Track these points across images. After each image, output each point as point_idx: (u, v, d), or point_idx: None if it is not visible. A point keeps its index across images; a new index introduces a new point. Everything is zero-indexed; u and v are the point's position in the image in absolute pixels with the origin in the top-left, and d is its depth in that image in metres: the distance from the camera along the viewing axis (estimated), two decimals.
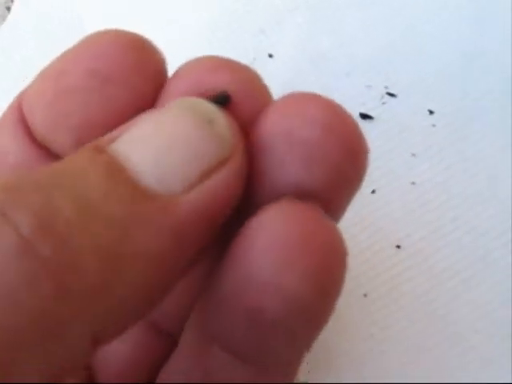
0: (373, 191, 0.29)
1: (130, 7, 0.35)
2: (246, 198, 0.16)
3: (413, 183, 0.29)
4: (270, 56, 0.32)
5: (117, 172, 0.14)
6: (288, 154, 0.15)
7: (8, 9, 0.36)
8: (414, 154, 0.29)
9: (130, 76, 0.16)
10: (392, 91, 0.30)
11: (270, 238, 0.15)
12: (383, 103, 0.30)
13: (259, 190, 0.16)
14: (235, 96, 0.16)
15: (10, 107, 0.18)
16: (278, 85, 0.31)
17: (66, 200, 0.13)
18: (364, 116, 0.30)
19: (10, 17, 0.35)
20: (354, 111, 0.30)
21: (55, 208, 0.13)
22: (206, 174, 0.15)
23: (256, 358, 0.16)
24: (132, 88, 0.16)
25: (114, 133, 0.15)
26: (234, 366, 0.16)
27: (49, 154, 0.17)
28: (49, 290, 0.12)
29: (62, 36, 0.34)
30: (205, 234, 0.15)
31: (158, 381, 0.18)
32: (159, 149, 0.14)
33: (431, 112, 0.30)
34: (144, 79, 0.17)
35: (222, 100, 0.16)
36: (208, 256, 0.17)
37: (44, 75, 0.17)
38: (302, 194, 0.15)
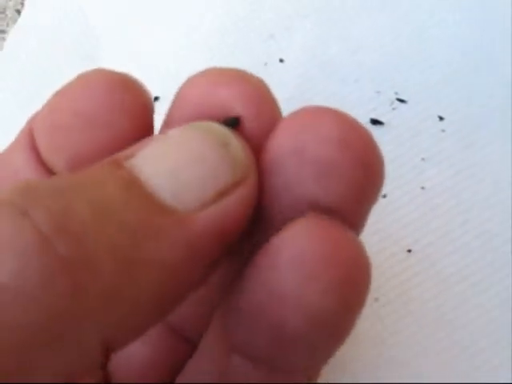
0: (383, 196, 0.29)
1: (139, 12, 0.35)
2: (263, 214, 0.16)
3: (423, 188, 0.29)
4: (281, 61, 0.32)
5: (134, 185, 0.14)
6: (303, 172, 0.15)
7: (18, 11, 0.36)
8: (423, 159, 0.29)
9: (111, 116, 0.17)
10: (402, 97, 0.30)
11: (294, 253, 0.15)
12: (393, 109, 0.30)
13: (276, 207, 0.16)
14: (244, 118, 0.16)
15: (22, 131, 0.19)
16: (288, 89, 0.32)
17: (84, 204, 0.13)
18: (374, 121, 0.30)
19: (21, 20, 0.35)
20: (364, 117, 0.30)
21: (73, 210, 0.13)
22: (220, 194, 0.15)
23: (277, 367, 0.16)
24: (114, 128, 0.17)
25: (131, 149, 0.15)
26: (254, 371, 0.16)
27: None
28: (65, 287, 0.12)
29: (73, 39, 0.34)
30: (217, 249, 0.15)
31: (177, 381, 0.19)
32: (175, 166, 0.15)
33: (441, 118, 0.30)
34: (127, 119, 0.17)
35: (233, 123, 0.16)
36: (225, 267, 0.17)
37: (45, 107, 0.18)
38: (319, 211, 0.15)
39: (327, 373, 0.26)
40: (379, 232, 0.28)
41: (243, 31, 0.33)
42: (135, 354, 0.19)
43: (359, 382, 0.26)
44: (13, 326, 0.12)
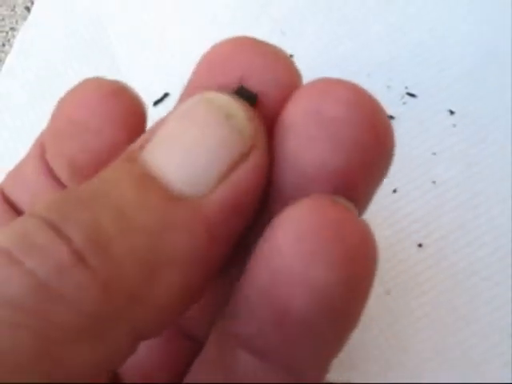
0: (394, 190, 0.29)
1: (150, 9, 0.35)
2: (274, 186, 0.16)
3: (433, 182, 0.29)
4: (291, 56, 0.32)
5: (148, 182, 0.15)
6: (315, 132, 0.15)
7: (27, 9, 0.36)
8: (434, 154, 0.29)
9: (103, 124, 0.17)
10: (412, 91, 0.31)
11: (297, 230, 0.14)
12: (404, 103, 0.30)
13: (286, 175, 0.16)
14: (262, 94, 0.16)
15: (35, 142, 0.20)
16: None
17: (107, 213, 0.14)
18: None
19: (30, 17, 0.35)
20: None
21: (98, 221, 0.14)
22: (229, 170, 0.15)
23: (283, 361, 0.16)
24: (105, 135, 0.17)
25: (144, 137, 0.16)
26: (260, 368, 0.16)
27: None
28: (96, 294, 0.13)
29: (84, 36, 0.35)
30: (236, 227, 0.15)
31: (185, 381, 0.18)
32: (182, 153, 0.15)
33: (452, 112, 0.30)
34: (118, 127, 0.17)
35: (248, 97, 0.16)
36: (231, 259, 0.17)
37: (51, 116, 0.19)
38: (329, 175, 0.15)
39: (340, 366, 0.26)
40: (390, 226, 0.28)
41: (255, 27, 0.33)
42: (141, 354, 0.19)
43: (369, 374, 0.26)
44: (57, 323, 0.13)
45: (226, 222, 0.15)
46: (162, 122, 0.16)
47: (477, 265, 0.28)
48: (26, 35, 0.35)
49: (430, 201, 0.29)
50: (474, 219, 0.28)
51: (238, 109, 0.15)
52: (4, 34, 0.36)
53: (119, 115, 0.17)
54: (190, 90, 0.17)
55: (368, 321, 0.27)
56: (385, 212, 0.28)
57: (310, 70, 0.32)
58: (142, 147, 0.15)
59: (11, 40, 0.35)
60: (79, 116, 0.18)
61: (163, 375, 0.20)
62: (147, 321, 0.14)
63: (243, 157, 0.15)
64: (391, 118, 0.30)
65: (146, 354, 0.20)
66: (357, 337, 0.27)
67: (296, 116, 0.16)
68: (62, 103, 0.18)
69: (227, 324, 0.17)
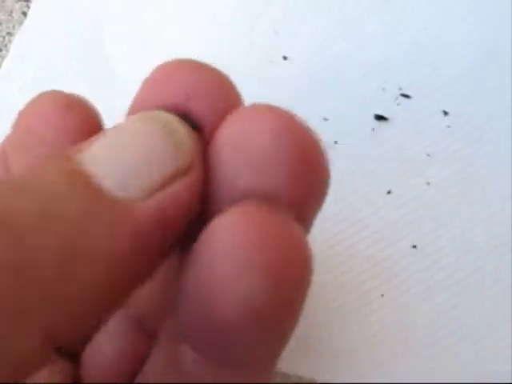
0: (388, 192, 0.29)
1: (148, 11, 0.35)
2: (207, 206, 0.16)
3: (428, 183, 0.29)
4: (285, 58, 0.32)
5: (77, 176, 0.14)
6: (240, 163, 0.15)
7: (24, 14, 0.36)
8: (429, 155, 0.29)
9: (58, 136, 0.17)
10: (406, 92, 0.30)
11: (227, 238, 0.14)
12: (398, 104, 0.30)
13: (219, 198, 0.16)
14: (203, 121, 0.16)
15: None
16: (292, 87, 0.32)
17: (26, 200, 0.14)
18: (379, 117, 0.30)
19: (27, 22, 0.36)
20: (369, 112, 0.30)
21: (15, 208, 0.13)
22: (166, 182, 0.15)
23: (217, 358, 0.16)
24: (60, 147, 0.17)
25: (83, 143, 0.16)
26: (203, 363, 0.16)
27: None
28: (5, 285, 0.13)
29: (80, 40, 0.35)
30: (164, 238, 0.15)
31: (136, 381, 0.18)
32: (121, 155, 0.15)
33: (446, 113, 0.30)
34: (72, 139, 0.17)
35: (191, 124, 0.16)
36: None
37: (11, 127, 0.19)
38: (258, 199, 0.15)
39: (333, 372, 0.26)
40: (384, 228, 0.28)
41: (249, 28, 0.33)
42: (103, 352, 0.19)
43: (365, 375, 0.26)
44: None
45: (154, 231, 0.15)
46: (104, 131, 0.16)
47: (472, 266, 0.28)
48: (23, 39, 0.35)
49: (425, 202, 0.29)
50: (468, 220, 0.28)
51: (178, 126, 0.16)
52: (1, 38, 0.36)
53: (74, 128, 0.18)
54: (134, 108, 0.17)
55: (362, 321, 0.27)
56: (379, 213, 0.28)
57: (304, 70, 0.32)
58: (78, 151, 0.15)
59: (8, 45, 0.35)
60: (36, 128, 0.18)
61: (127, 372, 0.19)
62: (60, 321, 0.14)
63: (180, 172, 0.15)
64: (385, 119, 0.30)
65: (107, 352, 0.19)
66: (353, 339, 0.27)
67: (225, 141, 0.16)
68: (22, 114, 0.18)
69: (173, 321, 0.17)
